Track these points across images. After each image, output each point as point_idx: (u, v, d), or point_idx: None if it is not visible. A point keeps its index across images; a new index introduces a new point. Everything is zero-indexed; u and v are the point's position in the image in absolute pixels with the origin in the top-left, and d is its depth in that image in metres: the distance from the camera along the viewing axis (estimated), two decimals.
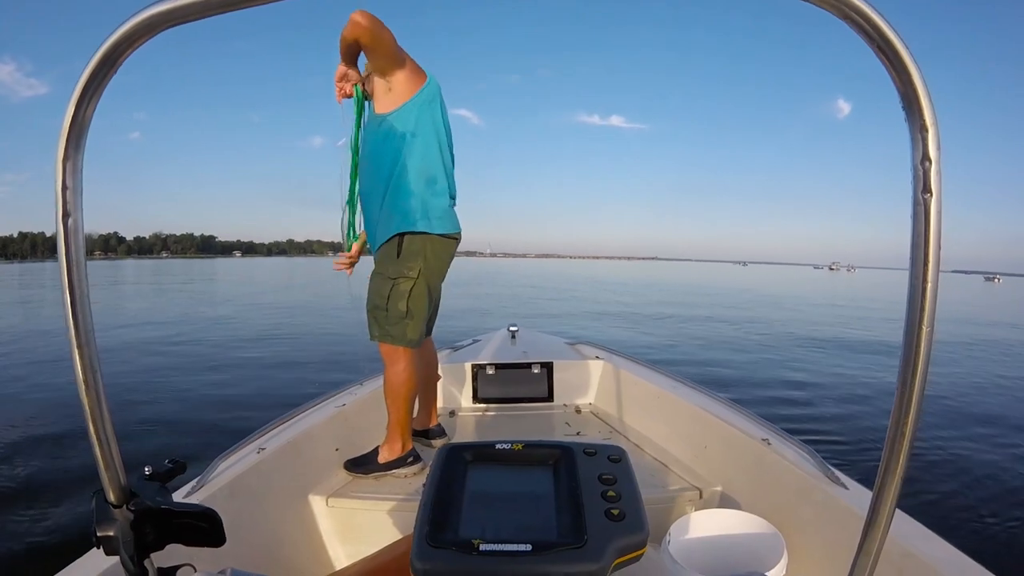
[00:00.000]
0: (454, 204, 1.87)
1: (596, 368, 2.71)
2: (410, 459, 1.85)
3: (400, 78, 1.72)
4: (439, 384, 2.25)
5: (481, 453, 0.54)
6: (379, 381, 2.11)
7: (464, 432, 2.34)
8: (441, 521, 0.45)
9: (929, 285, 0.40)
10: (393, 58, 1.69)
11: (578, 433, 2.28)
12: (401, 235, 1.76)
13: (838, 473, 1.38)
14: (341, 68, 1.75)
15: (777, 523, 1.34)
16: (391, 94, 1.74)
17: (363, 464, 1.85)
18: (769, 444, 1.59)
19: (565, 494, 0.48)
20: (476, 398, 2.63)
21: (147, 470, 0.55)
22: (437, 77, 1.82)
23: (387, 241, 1.79)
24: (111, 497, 0.50)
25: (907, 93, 0.37)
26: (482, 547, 0.42)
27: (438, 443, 2.10)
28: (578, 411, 2.53)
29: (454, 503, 0.48)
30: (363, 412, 2.11)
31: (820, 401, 5.27)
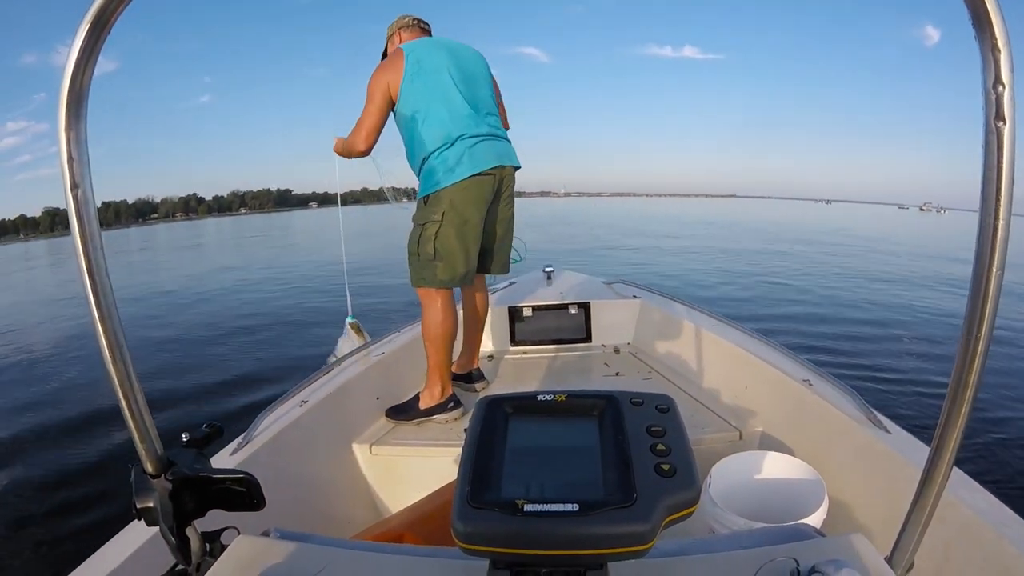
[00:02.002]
0: (480, 140, 1.83)
1: (634, 308, 2.67)
2: (450, 404, 1.88)
3: (383, 102, 1.84)
4: None
5: (522, 405, 0.51)
6: (417, 329, 2.16)
7: (503, 375, 2.36)
8: (482, 479, 0.43)
9: (1001, 223, 0.37)
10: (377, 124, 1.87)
11: (617, 374, 2.27)
12: (426, 196, 1.86)
13: (880, 416, 1.34)
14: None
15: (817, 466, 1.32)
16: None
17: (404, 411, 1.89)
18: (811, 385, 1.54)
19: (611, 448, 0.46)
20: (514, 341, 2.63)
21: (184, 437, 0.55)
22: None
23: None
24: (148, 468, 0.50)
25: (976, 9, 0.32)
26: (526, 507, 0.40)
27: (480, 386, 2.14)
28: (616, 351, 2.51)
29: (495, 459, 0.46)
30: (402, 360, 2.14)
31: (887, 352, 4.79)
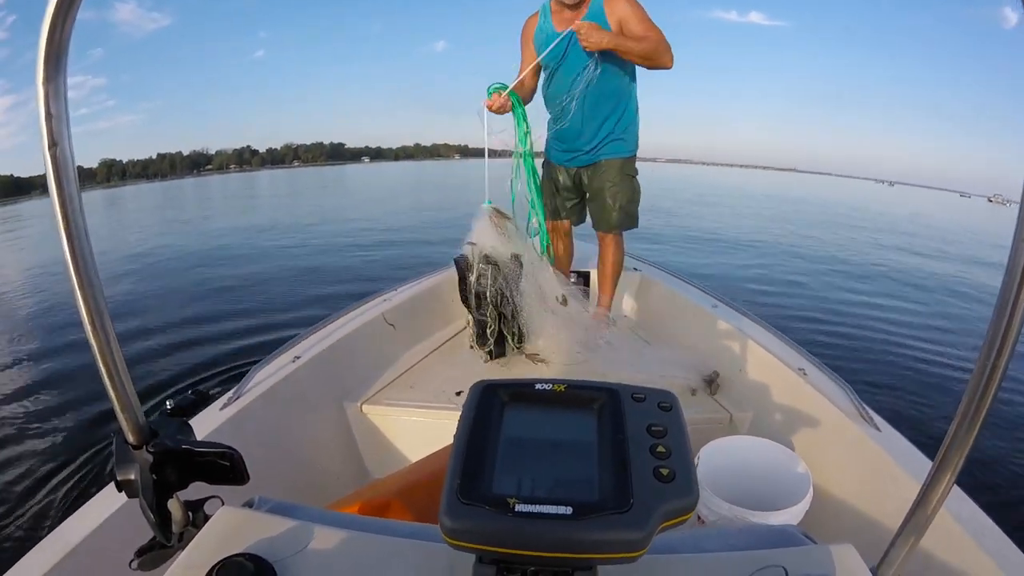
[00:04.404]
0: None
1: (634, 280, 2.65)
2: None
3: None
4: None
5: (519, 393, 0.49)
6: (416, 287, 2.32)
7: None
8: (474, 472, 0.42)
9: None
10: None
11: (608, 343, 2.27)
12: (635, 152, 2.21)
13: (872, 413, 1.34)
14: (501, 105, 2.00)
15: (804, 456, 1.32)
16: None
17: None
18: (805, 375, 1.54)
19: (609, 446, 0.44)
20: None
21: (169, 405, 0.54)
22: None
23: None
24: (130, 438, 0.48)
25: None
26: (518, 507, 0.39)
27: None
28: (613, 323, 2.51)
29: (488, 450, 0.44)
30: (400, 317, 2.11)
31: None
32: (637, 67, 2.03)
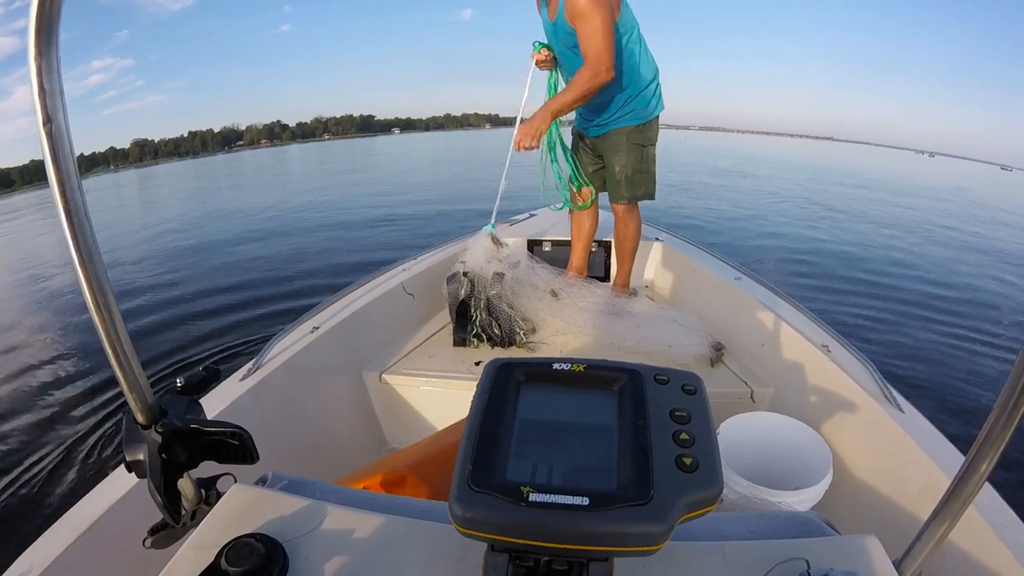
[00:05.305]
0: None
1: (656, 250, 2.60)
2: None
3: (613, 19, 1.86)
4: None
5: (535, 373, 0.47)
6: (435, 256, 2.32)
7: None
8: (487, 457, 0.40)
9: None
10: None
11: (625, 314, 2.24)
12: (647, 121, 2.08)
13: (895, 393, 1.29)
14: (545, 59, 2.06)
15: (825, 434, 1.30)
16: None
17: None
18: (828, 351, 1.50)
19: (630, 432, 0.42)
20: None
21: (179, 382, 0.53)
22: None
23: None
24: (139, 418, 0.48)
25: None
26: (532, 496, 0.37)
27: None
28: (634, 293, 2.48)
29: (503, 433, 0.42)
30: (419, 286, 2.10)
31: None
32: (634, 38, 1.92)
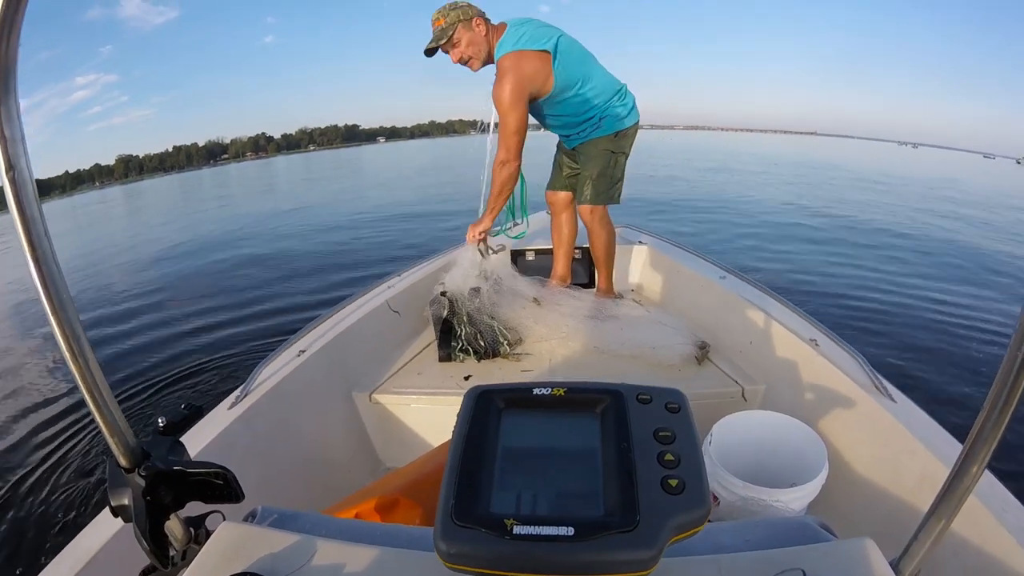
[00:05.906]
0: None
1: (640, 254, 2.61)
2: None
3: (527, 105, 1.99)
4: None
5: (516, 399, 0.47)
6: (419, 271, 2.31)
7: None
8: (470, 489, 0.40)
9: None
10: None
11: (608, 318, 2.24)
12: (616, 132, 2.15)
13: (887, 384, 1.30)
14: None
15: (819, 429, 1.30)
16: None
17: None
18: (817, 345, 1.51)
19: (614, 455, 0.42)
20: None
21: (161, 422, 0.52)
22: None
23: None
24: (122, 462, 0.47)
25: None
26: (516, 529, 0.37)
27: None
28: (620, 297, 2.49)
29: (485, 464, 0.42)
30: (404, 303, 2.09)
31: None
32: (585, 86, 2.00)
